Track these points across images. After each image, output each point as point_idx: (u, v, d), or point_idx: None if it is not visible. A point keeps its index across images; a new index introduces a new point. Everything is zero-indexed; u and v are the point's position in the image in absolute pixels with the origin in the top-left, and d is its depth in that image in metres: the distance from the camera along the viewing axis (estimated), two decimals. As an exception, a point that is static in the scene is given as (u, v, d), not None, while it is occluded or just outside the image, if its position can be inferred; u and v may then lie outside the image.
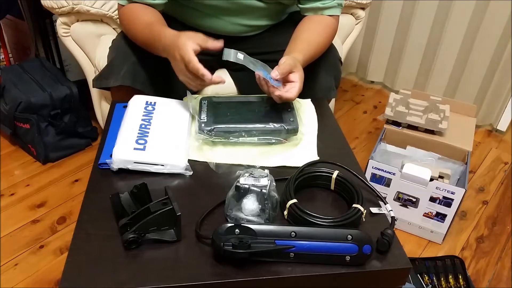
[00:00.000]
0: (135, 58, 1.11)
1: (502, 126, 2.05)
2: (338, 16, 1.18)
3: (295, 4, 1.20)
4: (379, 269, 0.71)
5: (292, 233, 0.70)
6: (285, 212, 0.78)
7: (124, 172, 0.85)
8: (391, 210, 0.79)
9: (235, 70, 1.33)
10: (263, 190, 0.75)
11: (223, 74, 1.34)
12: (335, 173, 0.84)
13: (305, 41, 1.10)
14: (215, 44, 0.97)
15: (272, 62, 1.23)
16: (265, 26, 1.25)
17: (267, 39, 1.26)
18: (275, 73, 0.95)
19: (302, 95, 1.12)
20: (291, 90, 0.96)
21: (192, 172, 0.87)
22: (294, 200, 0.77)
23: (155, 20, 1.07)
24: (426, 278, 1.33)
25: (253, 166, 0.87)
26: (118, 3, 1.13)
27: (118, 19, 1.46)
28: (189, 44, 0.92)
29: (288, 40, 1.20)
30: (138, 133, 0.90)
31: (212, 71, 1.34)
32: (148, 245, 0.72)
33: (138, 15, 1.08)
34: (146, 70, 1.11)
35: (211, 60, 1.29)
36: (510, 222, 1.59)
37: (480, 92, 2.04)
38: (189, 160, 0.89)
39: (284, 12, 1.29)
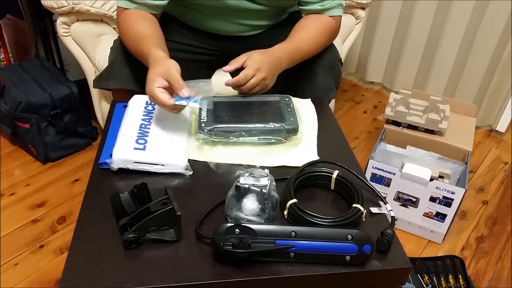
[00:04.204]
0: (137, 60, 1.10)
1: (502, 126, 2.05)
2: (340, 16, 1.18)
3: (295, 5, 1.21)
4: (379, 269, 0.71)
5: (292, 233, 0.70)
6: (285, 212, 0.78)
7: (124, 172, 0.85)
8: (391, 210, 0.79)
9: (236, 69, 1.33)
10: (263, 190, 0.75)
11: (224, 73, 1.34)
12: (335, 173, 0.84)
13: (295, 39, 1.11)
14: (183, 92, 0.88)
15: None
16: (265, 26, 1.25)
17: (268, 38, 1.26)
18: (226, 67, 1.00)
19: (302, 95, 1.12)
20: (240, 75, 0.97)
21: (192, 172, 0.87)
22: (294, 200, 0.77)
23: (147, 35, 1.02)
24: (426, 278, 1.33)
25: (253, 166, 0.87)
26: (118, 6, 1.09)
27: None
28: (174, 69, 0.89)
29: None
30: (138, 133, 0.90)
31: (213, 71, 1.35)
32: (148, 245, 0.72)
33: (133, 25, 1.05)
34: (147, 72, 1.11)
35: (212, 60, 1.30)
36: (510, 222, 1.59)
37: (480, 92, 2.03)
38: (189, 160, 0.89)
39: (285, 12, 1.29)
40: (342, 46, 1.68)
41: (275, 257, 0.70)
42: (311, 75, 1.17)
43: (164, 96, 0.86)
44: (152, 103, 0.99)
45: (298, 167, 0.86)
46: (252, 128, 0.93)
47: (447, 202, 1.37)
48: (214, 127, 0.92)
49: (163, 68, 0.89)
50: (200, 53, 1.24)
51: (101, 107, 1.63)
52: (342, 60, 1.29)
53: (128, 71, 1.09)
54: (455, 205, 1.37)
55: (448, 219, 1.41)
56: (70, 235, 0.73)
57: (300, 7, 1.17)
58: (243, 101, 1.03)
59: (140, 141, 0.88)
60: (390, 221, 0.78)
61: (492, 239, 1.52)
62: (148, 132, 0.91)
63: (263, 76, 0.98)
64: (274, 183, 0.79)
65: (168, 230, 0.72)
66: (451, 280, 1.33)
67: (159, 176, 0.86)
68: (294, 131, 0.95)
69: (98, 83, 1.15)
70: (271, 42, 1.25)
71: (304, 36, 1.12)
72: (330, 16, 1.16)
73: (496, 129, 2.06)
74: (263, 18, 1.21)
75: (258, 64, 0.98)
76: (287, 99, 1.02)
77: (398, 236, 0.76)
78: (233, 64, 1.00)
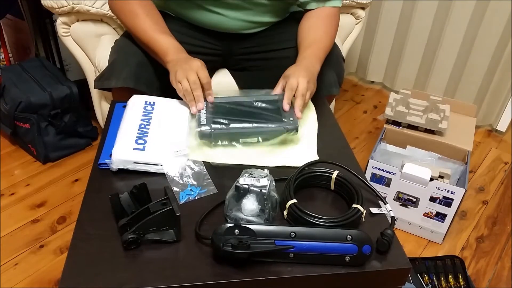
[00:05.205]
0: (138, 59, 1.11)
1: (502, 126, 2.05)
2: (339, 8, 1.20)
3: (298, 1, 1.21)
4: (379, 269, 0.71)
5: (292, 233, 0.70)
6: (285, 212, 0.78)
7: (123, 172, 0.85)
8: (391, 210, 0.79)
9: (236, 69, 1.33)
10: (263, 190, 0.75)
11: (224, 73, 1.34)
12: (335, 173, 0.84)
13: (312, 40, 1.12)
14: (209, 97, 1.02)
15: (275, 60, 1.23)
16: (268, 23, 1.25)
17: (270, 37, 1.26)
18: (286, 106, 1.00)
19: None
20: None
21: (192, 172, 0.87)
22: (294, 200, 0.77)
23: (158, 26, 1.09)
24: (426, 278, 1.33)
25: (253, 166, 0.87)
26: None
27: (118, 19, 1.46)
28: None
29: (290, 37, 1.20)
30: (138, 133, 0.90)
31: (214, 71, 1.35)
32: (148, 246, 0.72)
33: (139, 16, 1.08)
34: (149, 71, 1.11)
35: (214, 60, 1.30)
36: (510, 222, 1.59)
37: (480, 92, 2.03)
38: (189, 160, 0.89)
39: (287, 10, 1.29)
40: (342, 46, 1.68)
41: (275, 258, 0.70)
42: None
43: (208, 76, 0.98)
44: (151, 103, 0.99)
45: (298, 167, 0.85)
46: (252, 129, 0.93)
47: (447, 202, 1.37)
48: (214, 129, 0.92)
49: (199, 61, 1.00)
50: (202, 53, 1.24)
51: (101, 107, 1.63)
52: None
53: (129, 70, 1.09)
54: (455, 205, 1.37)
55: (448, 219, 1.41)
56: (70, 235, 0.73)
57: None
58: (243, 101, 1.02)
59: (139, 141, 0.88)
60: (390, 221, 0.78)
61: (492, 239, 1.52)
62: (147, 132, 0.90)
63: (308, 79, 1.00)
64: (274, 183, 0.79)
65: (167, 230, 0.72)
66: (451, 280, 1.33)
67: (158, 176, 0.86)
68: (294, 131, 0.94)
69: (100, 83, 1.15)
70: (273, 41, 1.25)
71: (318, 34, 1.14)
72: (331, 7, 1.18)
73: (497, 128, 2.06)
74: (266, 14, 1.21)
75: (296, 72, 1.01)
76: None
77: (398, 236, 0.76)
78: (278, 87, 1.02)
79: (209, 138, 0.92)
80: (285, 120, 0.95)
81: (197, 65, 0.99)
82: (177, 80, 0.99)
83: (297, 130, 0.95)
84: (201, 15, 1.19)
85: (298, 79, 0.98)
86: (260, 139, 0.95)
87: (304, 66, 1.04)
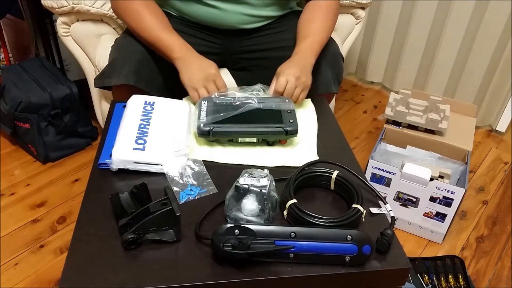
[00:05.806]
0: (138, 57, 1.11)
1: (502, 127, 2.05)
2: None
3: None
4: (379, 269, 0.71)
5: (292, 233, 0.70)
6: (285, 212, 0.78)
7: (123, 172, 0.85)
8: (391, 210, 0.79)
9: (236, 69, 1.33)
10: (263, 190, 0.75)
11: (224, 73, 1.34)
12: (335, 173, 0.84)
13: (308, 33, 1.13)
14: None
15: (275, 59, 1.23)
16: (267, 17, 1.24)
17: (270, 35, 1.25)
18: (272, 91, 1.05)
19: None
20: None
21: (192, 172, 0.87)
22: (294, 200, 0.77)
23: (163, 25, 1.11)
24: (426, 278, 1.33)
25: (253, 166, 0.87)
26: None
27: (118, 19, 1.46)
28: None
29: (290, 36, 1.20)
30: (137, 133, 0.90)
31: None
32: (148, 246, 0.72)
33: (144, 15, 1.09)
34: (149, 69, 1.12)
35: (213, 59, 1.29)
36: (510, 222, 1.59)
37: (480, 92, 2.03)
38: (189, 159, 0.89)
39: (287, 5, 1.28)
40: (342, 46, 1.68)
41: (275, 258, 0.70)
42: (312, 69, 1.17)
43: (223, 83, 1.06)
44: (151, 103, 0.99)
45: (298, 167, 0.86)
46: (251, 130, 0.93)
47: (447, 202, 1.37)
48: (213, 128, 0.92)
49: (213, 67, 1.07)
50: (202, 52, 1.24)
51: (101, 107, 1.63)
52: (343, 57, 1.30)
53: (130, 68, 1.09)
54: (455, 205, 1.37)
55: (448, 219, 1.41)
56: (70, 235, 0.74)
57: None
58: (243, 101, 1.02)
59: (139, 141, 0.88)
60: (390, 221, 0.78)
61: (492, 239, 1.52)
62: (147, 132, 0.90)
63: (297, 75, 1.03)
64: (274, 184, 0.79)
65: (167, 230, 0.72)
66: (451, 280, 1.33)
67: (158, 176, 0.86)
68: (293, 133, 0.94)
69: (100, 81, 1.15)
70: (274, 40, 1.24)
71: (315, 28, 1.15)
72: None
73: (496, 129, 2.06)
74: (263, 7, 1.21)
75: (286, 70, 1.03)
76: (287, 101, 1.02)
77: (398, 236, 0.76)
78: (272, 87, 1.04)
79: (207, 136, 0.92)
80: (284, 122, 0.94)
81: (214, 74, 1.03)
82: (194, 87, 1.02)
83: (296, 132, 0.94)
84: (200, 10, 1.19)
85: (288, 78, 1.01)
86: (259, 139, 0.95)
87: (296, 62, 1.05)
